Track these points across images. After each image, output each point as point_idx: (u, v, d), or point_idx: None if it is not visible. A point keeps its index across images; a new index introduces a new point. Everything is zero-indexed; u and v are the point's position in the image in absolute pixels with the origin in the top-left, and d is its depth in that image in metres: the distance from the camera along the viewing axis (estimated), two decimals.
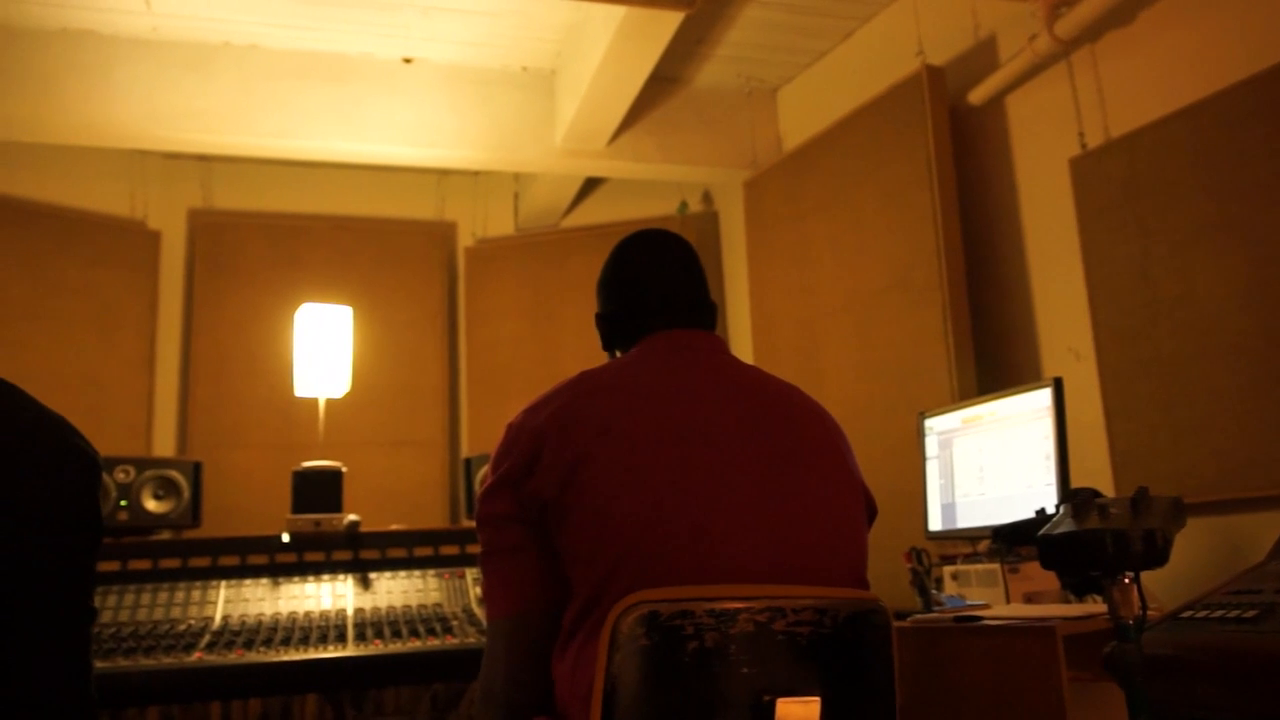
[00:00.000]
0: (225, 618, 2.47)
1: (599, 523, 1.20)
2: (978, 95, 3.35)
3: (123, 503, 2.88)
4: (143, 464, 2.99)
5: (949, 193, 3.30)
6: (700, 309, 1.49)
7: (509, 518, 1.29)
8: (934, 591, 2.24)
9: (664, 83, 4.34)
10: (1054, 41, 2.99)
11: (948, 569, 2.46)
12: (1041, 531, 1.37)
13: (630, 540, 1.18)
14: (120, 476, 2.91)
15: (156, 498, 2.98)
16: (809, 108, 4.36)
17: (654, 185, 5.00)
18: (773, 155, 4.43)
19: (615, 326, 1.52)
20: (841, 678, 1.15)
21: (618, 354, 1.54)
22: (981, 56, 3.42)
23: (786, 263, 4.09)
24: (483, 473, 3.42)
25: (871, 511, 1.43)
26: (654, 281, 1.49)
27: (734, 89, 4.53)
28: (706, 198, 5.16)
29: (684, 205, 5.02)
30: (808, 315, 3.92)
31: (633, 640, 1.06)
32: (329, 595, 2.62)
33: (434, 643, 2.37)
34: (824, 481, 1.32)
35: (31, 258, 4.30)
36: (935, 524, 2.57)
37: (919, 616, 2.02)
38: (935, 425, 2.63)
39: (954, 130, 3.38)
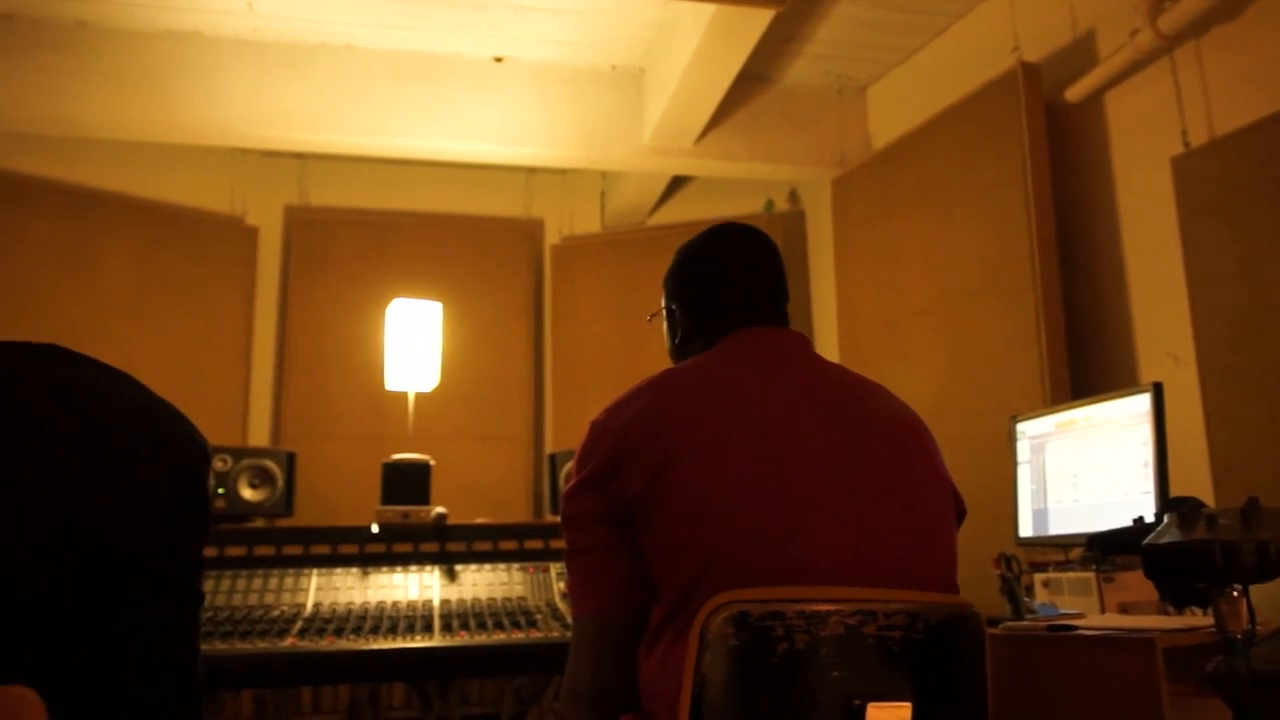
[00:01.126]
0: (316, 605, 2.51)
1: (687, 522, 1.19)
2: (1075, 92, 3.25)
3: (220, 490, 2.98)
4: (239, 453, 3.09)
5: (1043, 192, 3.21)
6: (781, 306, 1.47)
7: (594, 517, 1.29)
8: (1026, 599, 2.18)
9: (752, 81, 4.32)
10: (1157, 37, 2.88)
11: (1039, 576, 2.40)
12: (1146, 541, 1.33)
13: (719, 540, 1.17)
14: (218, 465, 3.00)
15: (252, 486, 3.07)
16: (899, 106, 4.29)
17: (740, 184, 4.98)
18: (861, 154, 4.38)
19: (690, 321, 1.49)
20: (933, 684, 1.13)
21: (688, 348, 1.51)
22: (1079, 53, 3.32)
23: (873, 262, 4.03)
24: (567, 468, 3.44)
25: (960, 513, 1.40)
26: (735, 276, 1.47)
27: (823, 87, 4.48)
28: (793, 196, 5.12)
29: (770, 204, 4.99)
30: (894, 315, 3.86)
31: (722, 640, 1.06)
32: (416, 586, 2.65)
33: (518, 636, 2.39)
34: (913, 482, 1.29)
35: (138, 253, 4.48)
36: (1026, 530, 2.51)
37: (1010, 624, 1.97)
38: (1027, 429, 2.57)
39: (1049, 128, 3.29)
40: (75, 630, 0.84)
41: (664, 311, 1.56)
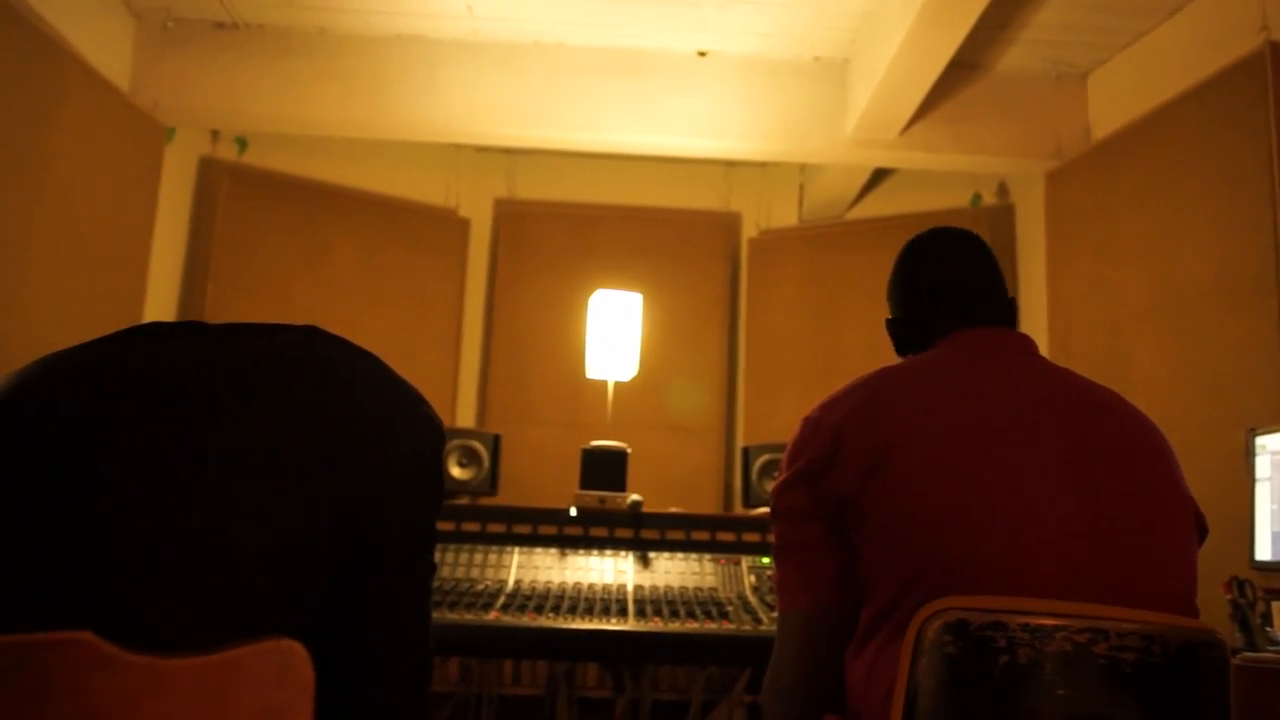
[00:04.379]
0: (518, 582, 2.60)
1: (902, 523, 1.17)
2: None
3: None
4: (450, 434, 3.26)
5: None
6: (1001, 306, 1.42)
7: (804, 512, 1.28)
8: (1269, 629, 2.01)
9: (962, 69, 4.16)
10: None
11: (1276, 604, 2.20)
12: None
13: (936, 543, 1.15)
14: None
15: (460, 465, 3.23)
16: (1123, 93, 4.02)
17: (945, 177, 4.81)
18: (1079, 145, 4.14)
19: (910, 329, 1.47)
20: (1167, 713, 1.06)
21: (906, 352, 1.49)
22: None
23: (1090, 261, 3.81)
24: (760, 462, 3.44)
25: (1202, 531, 1.31)
26: (949, 280, 1.43)
27: (1039, 74, 4.27)
28: (1002, 190, 4.90)
29: (977, 198, 4.79)
30: (1112, 318, 3.63)
31: (938, 647, 1.03)
32: (611, 570, 2.70)
33: (711, 626, 2.40)
34: (1149, 495, 1.22)
35: (363, 242, 4.82)
36: (1264, 553, 2.31)
37: (1248, 655, 1.82)
38: (1268, 444, 2.36)
39: None
40: (331, 591, 0.92)
41: (885, 325, 1.55)
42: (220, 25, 4.11)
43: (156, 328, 1.01)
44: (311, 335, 1.02)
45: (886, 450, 1.21)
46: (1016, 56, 4.16)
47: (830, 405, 1.32)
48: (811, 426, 1.31)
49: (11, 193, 3.21)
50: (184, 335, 1.00)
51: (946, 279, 1.44)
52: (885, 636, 1.16)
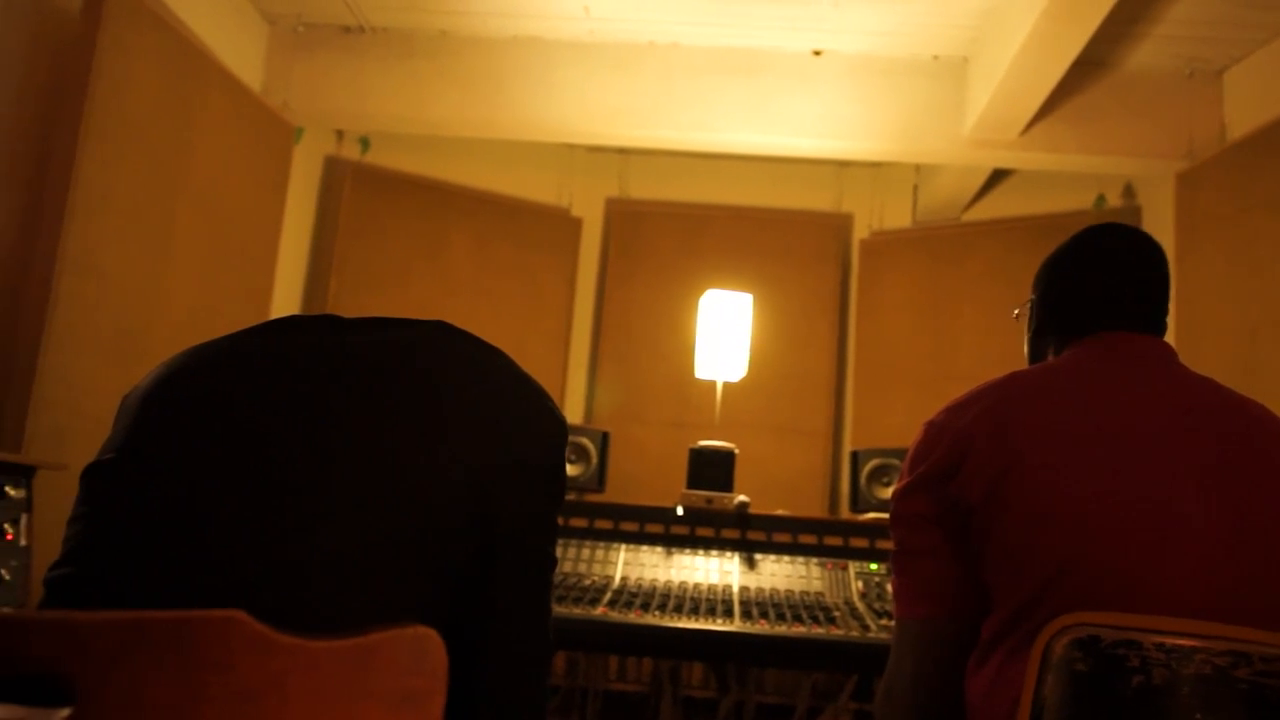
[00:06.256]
0: (624, 579, 2.61)
1: (1031, 535, 1.14)
2: None
3: None
4: None
5: None
6: (1151, 312, 1.36)
7: (926, 519, 1.26)
8: None
9: (1088, 67, 4.02)
10: None
11: None
12: None
13: (1067, 556, 1.11)
14: None
15: (569, 461, 3.27)
16: (1263, 90, 3.82)
17: (1068, 178, 4.65)
18: (1214, 144, 3.95)
19: (1048, 313, 1.42)
20: None
21: (1040, 340, 1.44)
22: None
23: (1225, 265, 3.63)
24: (870, 466, 3.39)
25: None
26: (1102, 271, 1.37)
27: (1170, 72, 4.09)
28: (1128, 191, 4.71)
29: (1101, 199, 4.62)
30: (1249, 324, 3.46)
31: (1067, 664, 1.00)
32: (717, 570, 2.69)
33: (818, 631, 2.37)
34: None
35: (479, 239, 4.93)
36: None
37: None
38: None
39: None
40: (458, 580, 0.94)
41: (1028, 304, 1.49)
42: (347, 29, 4.26)
43: (299, 320, 1.06)
44: (443, 330, 1.06)
45: (1016, 458, 1.17)
46: (1147, 53, 4.00)
47: (956, 409, 1.29)
48: (936, 431, 1.28)
49: (158, 189, 3.39)
50: (324, 327, 1.04)
51: (1105, 272, 1.37)
52: (1009, 650, 1.13)
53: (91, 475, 0.95)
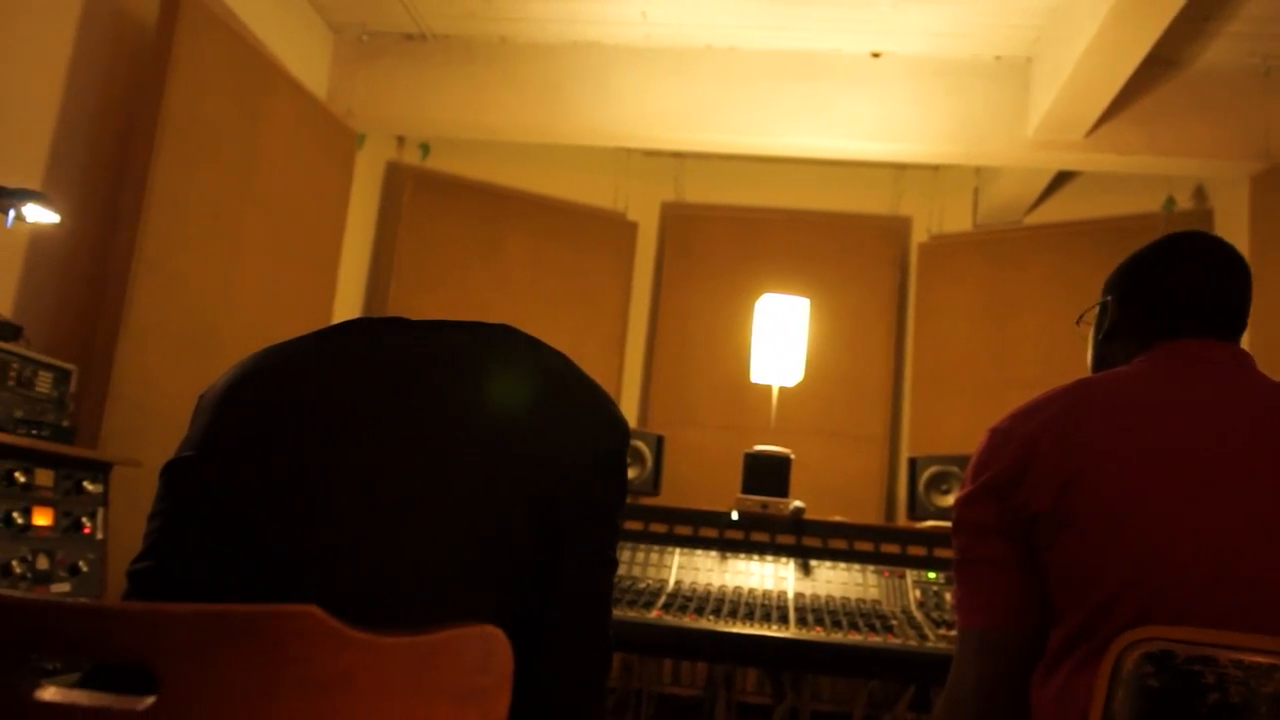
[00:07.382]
0: (678, 583, 2.60)
1: (1100, 545, 1.11)
2: None
3: None
4: None
5: None
6: (1228, 320, 1.32)
7: (989, 527, 1.24)
8: None
9: (1157, 65, 3.93)
10: None
11: None
12: None
13: (1138, 568, 1.09)
14: None
15: None
16: None
17: (1136, 180, 4.55)
18: None
19: (1122, 315, 1.38)
20: None
21: (1111, 344, 1.40)
22: None
23: None
24: (929, 473, 3.35)
25: None
26: (1181, 275, 1.34)
27: (1245, 70, 3.98)
28: (1199, 194, 4.59)
29: (1171, 202, 4.51)
30: None
31: (1138, 679, 0.98)
32: (771, 576, 2.68)
33: (874, 639, 2.34)
34: None
35: (535, 243, 4.97)
36: None
37: None
38: None
39: None
40: (523, 580, 0.95)
41: (1098, 306, 1.45)
42: (409, 37, 4.32)
43: (369, 322, 1.08)
44: (509, 333, 1.07)
45: (1085, 466, 1.15)
46: (1220, 51, 3.90)
47: (1022, 416, 1.26)
48: (1001, 438, 1.26)
49: (229, 193, 3.48)
50: (395, 329, 1.06)
51: (1183, 276, 1.34)
52: (1077, 663, 1.11)
53: (171, 472, 0.98)
